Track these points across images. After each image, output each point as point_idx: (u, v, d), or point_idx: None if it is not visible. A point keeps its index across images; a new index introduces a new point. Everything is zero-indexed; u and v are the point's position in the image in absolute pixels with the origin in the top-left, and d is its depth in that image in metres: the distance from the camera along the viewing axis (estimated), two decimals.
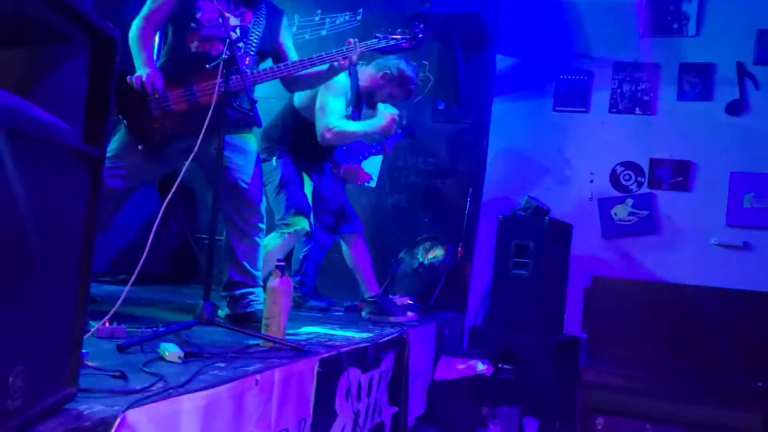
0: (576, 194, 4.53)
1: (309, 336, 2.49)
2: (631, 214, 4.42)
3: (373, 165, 4.78)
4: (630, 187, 4.44)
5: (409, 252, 4.66)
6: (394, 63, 3.55)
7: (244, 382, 1.59)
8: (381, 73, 3.48)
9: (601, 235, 4.48)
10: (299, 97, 3.32)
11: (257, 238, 2.64)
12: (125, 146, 2.45)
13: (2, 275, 0.86)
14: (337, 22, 5.13)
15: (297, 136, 3.33)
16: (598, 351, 4.10)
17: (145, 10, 2.52)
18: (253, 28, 2.58)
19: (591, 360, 4.01)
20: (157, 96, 2.37)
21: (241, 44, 2.53)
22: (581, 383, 3.69)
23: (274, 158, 3.24)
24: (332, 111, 3.15)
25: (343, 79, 3.12)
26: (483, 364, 3.50)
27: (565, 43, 4.62)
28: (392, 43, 2.76)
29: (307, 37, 5.16)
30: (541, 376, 3.70)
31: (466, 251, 4.61)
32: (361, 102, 3.54)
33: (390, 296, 3.96)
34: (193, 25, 2.47)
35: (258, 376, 1.65)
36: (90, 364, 1.43)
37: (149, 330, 2.04)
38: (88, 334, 1.81)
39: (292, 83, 2.79)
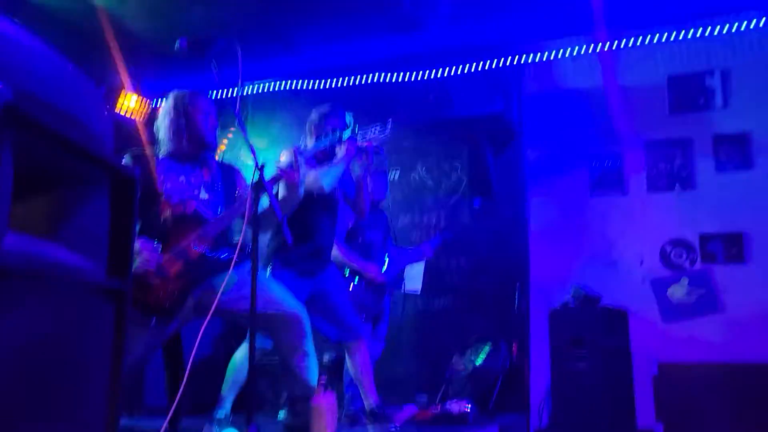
0: (627, 278, 4.38)
1: None
2: (688, 293, 4.23)
3: (415, 271, 4.78)
4: (683, 265, 4.28)
5: (461, 355, 4.54)
6: (313, 114, 3.53)
7: None
8: (308, 135, 3.48)
9: (660, 319, 4.28)
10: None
11: (307, 347, 2.64)
12: (132, 331, 2.46)
13: (28, 415, 0.88)
14: (368, 135, 5.32)
15: (280, 236, 3.22)
16: None
17: None
18: (214, 184, 2.67)
19: None
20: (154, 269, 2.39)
21: (206, 195, 2.62)
22: None
23: (268, 269, 3.22)
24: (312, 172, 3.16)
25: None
26: None
27: (593, 128, 4.66)
28: (333, 139, 2.82)
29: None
30: None
31: (521, 348, 4.47)
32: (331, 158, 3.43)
33: (447, 401, 3.82)
34: (161, 198, 2.55)
35: None
36: None
37: None
38: None
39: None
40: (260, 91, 5.67)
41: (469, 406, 3.62)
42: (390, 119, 5.26)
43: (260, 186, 2.15)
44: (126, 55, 5.15)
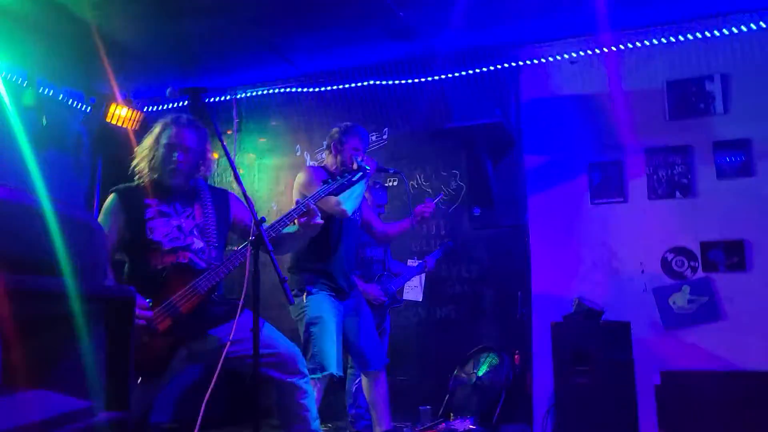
0: (628, 286, 4.37)
1: None
2: (690, 301, 4.22)
3: (416, 282, 4.76)
4: (684, 273, 4.27)
5: (464, 366, 4.53)
6: (333, 131, 3.51)
7: None
8: (326, 151, 3.47)
9: (662, 327, 4.27)
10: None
11: (305, 386, 2.61)
12: None
13: None
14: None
15: (312, 259, 3.29)
16: None
17: None
18: (207, 222, 2.58)
19: None
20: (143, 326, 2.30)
21: (201, 243, 2.54)
22: None
23: (304, 294, 3.20)
24: (329, 196, 3.14)
25: (313, 176, 3.17)
26: None
27: (592, 135, 4.60)
28: (344, 181, 2.75)
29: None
30: None
31: (523, 359, 4.47)
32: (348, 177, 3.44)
33: (452, 419, 3.82)
34: (152, 246, 2.46)
35: None
36: None
37: None
38: None
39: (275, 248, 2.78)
40: (253, 95, 5.59)
41: (474, 427, 3.63)
42: (386, 128, 5.21)
43: (260, 243, 2.09)
44: (116, 65, 5.06)
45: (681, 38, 4.40)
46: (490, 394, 4.26)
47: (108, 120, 5.32)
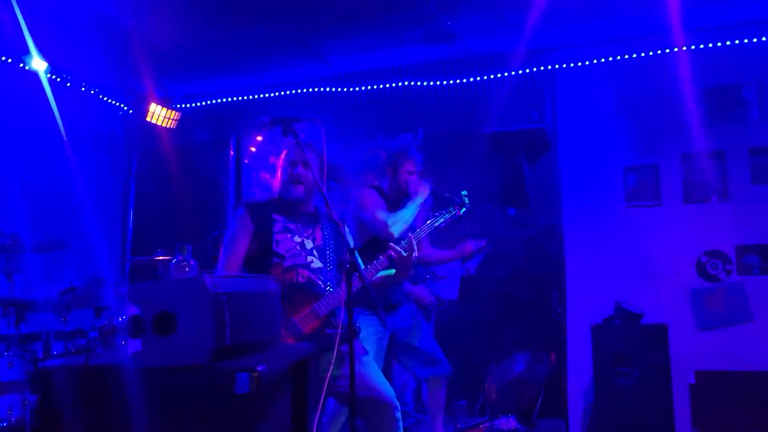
0: (662, 288, 4.47)
1: None
2: (724, 303, 4.33)
3: (451, 280, 4.86)
4: (719, 276, 4.37)
5: (499, 363, 4.66)
6: (384, 153, 3.62)
7: None
8: (382, 171, 3.56)
9: (696, 328, 4.38)
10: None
11: None
12: None
13: None
14: (398, 143, 5.33)
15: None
16: None
17: (223, 260, 2.56)
18: (325, 245, 2.66)
19: None
20: None
21: (319, 264, 2.60)
22: None
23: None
24: (380, 216, 3.26)
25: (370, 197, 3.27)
26: None
27: (627, 139, 4.67)
28: (447, 217, 2.82)
29: (369, 161, 5.37)
30: None
31: (559, 357, 4.59)
32: (401, 205, 3.52)
33: (495, 420, 3.95)
34: (274, 259, 2.53)
35: None
36: None
37: None
38: None
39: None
40: (286, 94, 5.65)
41: (518, 426, 3.75)
42: (420, 128, 5.28)
43: (354, 270, 2.17)
44: (154, 65, 5.13)
45: (719, 44, 4.46)
46: (528, 392, 4.38)
47: (147, 119, 5.39)
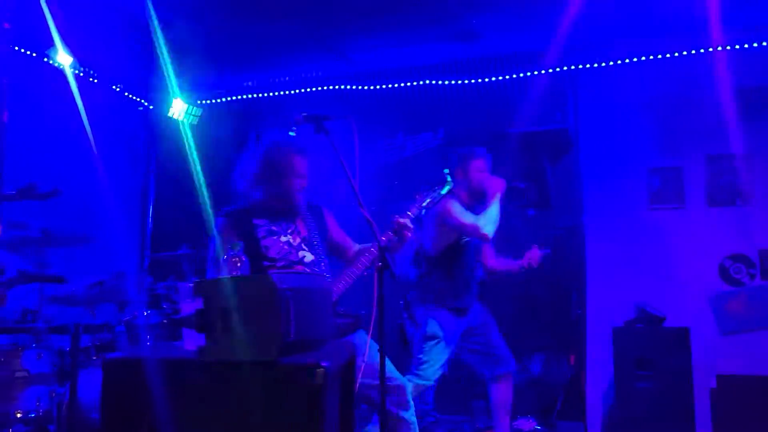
0: (685, 292, 4.43)
1: None
2: (746, 308, 4.29)
3: None
4: (742, 280, 4.33)
5: (519, 364, 4.63)
6: (456, 157, 3.63)
7: None
8: (452, 175, 3.54)
9: (718, 332, 4.35)
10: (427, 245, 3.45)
11: (410, 418, 2.69)
12: None
13: None
14: (419, 142, 5.33)
15: (440, 282, 3.46)
16: None
17: (212, 273, 2.57)
18: (312, 236, 2.67)
19: None
20: None
21: (311, 256, 2.61)
22: None
23: (422, 308, 3.36)
24: (468, 218, 3.30)
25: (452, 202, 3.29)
26: None
27: (651, 140, 4.64)
28: (434, 195, 2.85)
29: (390, 159, 5.38)
30: None
31: (578, 359, 4.56)
32: (476, 208, 3.57)
33: (515, 421, 3.94)
34: (265, 263, 2.55)
35: None
36: None
37: None
38: None
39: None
40: (307, 92, 5.65)
41: (539, 427, 3.75)
42: (441, 127, 5.27)
43: (386, 267, 2.17)
44: (177, 60, 5.14)
45: (746, 45, 4.41)
46: (547, 393, 4.37)
47: (169, 114, 5.41)
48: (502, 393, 3.62)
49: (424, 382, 3.29)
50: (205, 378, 1.46)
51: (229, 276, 1.84)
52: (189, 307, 1.53)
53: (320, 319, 1.88)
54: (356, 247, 2.86)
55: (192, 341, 1.54)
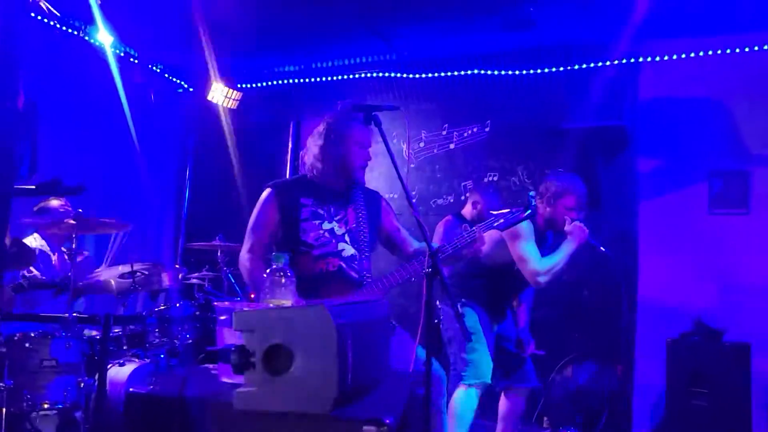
0: (746, 304, 4.15)
1: None
2: None
3: None
4: None
5: (561, 372, 4.43)
6: (544, 184, 3.38)
7: None
8: (539, 200, 3.30)
9: None
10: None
11: (442, 407, 2.60)
12: None
13: None
14: (465, 135, 5.12)
15: (480, 286, 3.32)
16: None
17: (247, 244, 2.47)
18: (360, 229, 2.49)
19: None
20: None
21: (352, 250, 2.46)
22: None
23: (458, 305, 3.14)
24: (533, 257, 3.07)
25: (526, 225, 3.03)
26: None
27: (714, 141, 4.35)
28: (512, 218, 2.60)
29: (435, 151, 5.17)
30: None
31: (625, 371, 4.33)
32: (547, 235, 3.36)
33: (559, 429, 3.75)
34: (302, 248, 2.41)
35: None
36: None
37: None
38: None
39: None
40: (350, 78, 5.47)
41: None
42: (488, 120, 5.04)
43: (436, 273, 1.99)
44: (218, 44, 5.01)
45: None
46: (591, 405, 4.14)
47: (208, 98, 5.29)
48: (512, 404, 3.47)
49: (480, 381, 3.10)
50: (241, 430, 1.23)
51: (276, 305, 1.61)
52: (225, 335, 1.32)
53: (379, 356, 1.67)
54: (414, 245, 2.66)
55: (228, 372, 1.33)
